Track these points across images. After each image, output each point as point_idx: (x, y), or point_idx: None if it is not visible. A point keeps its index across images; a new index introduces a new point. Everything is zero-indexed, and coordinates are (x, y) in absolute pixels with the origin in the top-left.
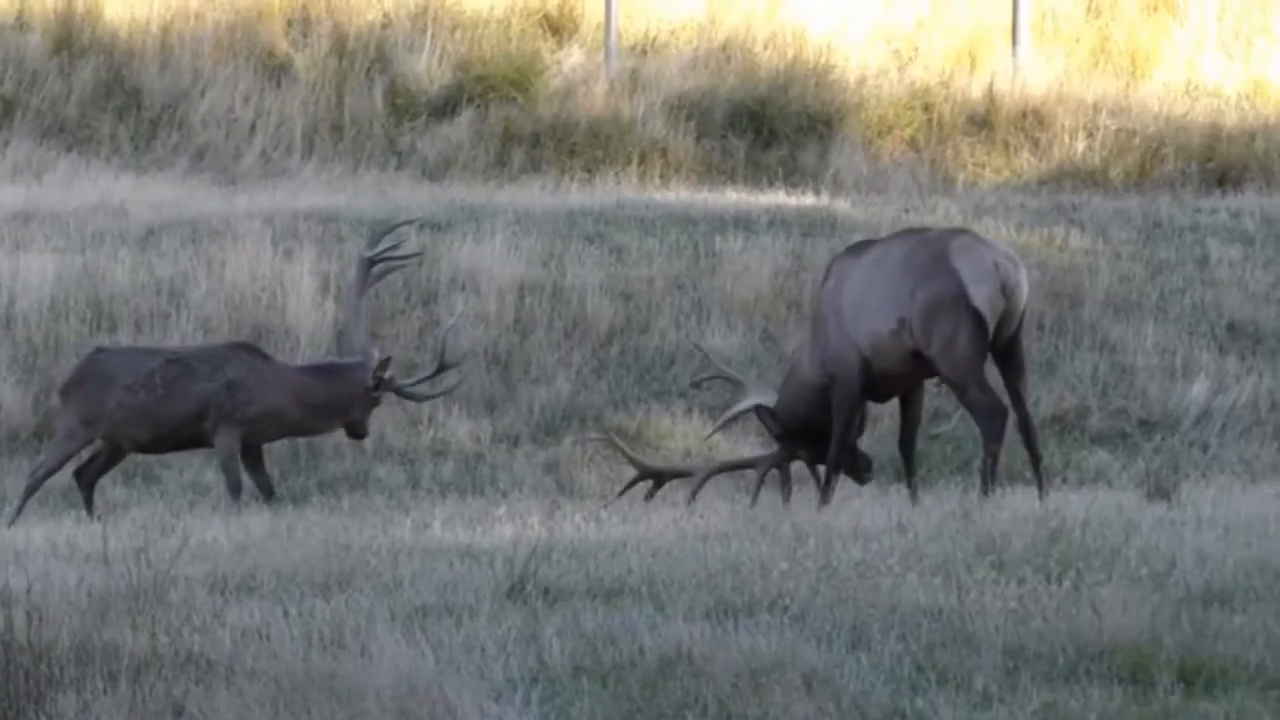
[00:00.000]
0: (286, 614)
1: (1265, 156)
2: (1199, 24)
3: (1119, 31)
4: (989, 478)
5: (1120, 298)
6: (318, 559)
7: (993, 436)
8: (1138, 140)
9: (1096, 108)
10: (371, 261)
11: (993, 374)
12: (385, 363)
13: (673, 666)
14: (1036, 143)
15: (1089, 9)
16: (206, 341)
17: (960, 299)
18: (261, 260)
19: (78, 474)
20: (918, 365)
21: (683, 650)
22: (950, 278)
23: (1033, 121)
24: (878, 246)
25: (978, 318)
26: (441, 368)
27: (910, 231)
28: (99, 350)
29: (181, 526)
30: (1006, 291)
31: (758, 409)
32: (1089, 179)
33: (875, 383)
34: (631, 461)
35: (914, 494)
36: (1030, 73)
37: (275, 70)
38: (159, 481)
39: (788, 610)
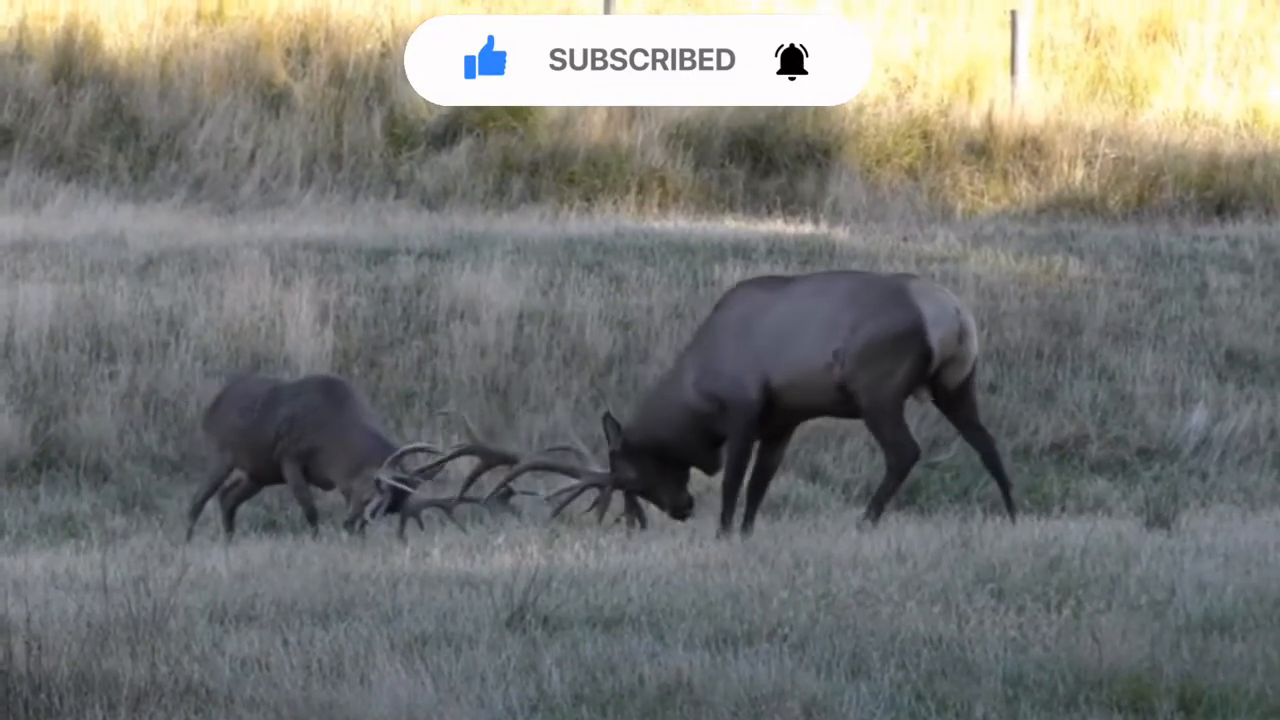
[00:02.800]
0: (286, 643)
1: (1264, 184)
2: (1198, 52)
3: (1117, 60)
4: (879, 508)
5: (1119, 326)
6: (317, 588)
7: (898, 473)
8: (1136, 168)
9: (1095, 136)
10: None
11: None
12: (395, 459)
13: (672, 695)
14: (1035, 171)
15: (1087, 37)
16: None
17: (916, 335)
18: (260, 290)
19: (221, 495)
20: (837, 401)
21: (682, 679)
22: (909, 313)
23: (1031, 150)
24: (812, 280)
25: (927, 357)
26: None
27: (850, 272)
28: (233, 378)
29: (181, 555)
30: (962, 337)
31: (605, 417)
32: (1088, 207)
33: (775, 415)
34: (470, 435)
35: (748, 530)
36: (1029, 101)
37: (274, 100)
38: (158, 510)
39: (787, 639)
